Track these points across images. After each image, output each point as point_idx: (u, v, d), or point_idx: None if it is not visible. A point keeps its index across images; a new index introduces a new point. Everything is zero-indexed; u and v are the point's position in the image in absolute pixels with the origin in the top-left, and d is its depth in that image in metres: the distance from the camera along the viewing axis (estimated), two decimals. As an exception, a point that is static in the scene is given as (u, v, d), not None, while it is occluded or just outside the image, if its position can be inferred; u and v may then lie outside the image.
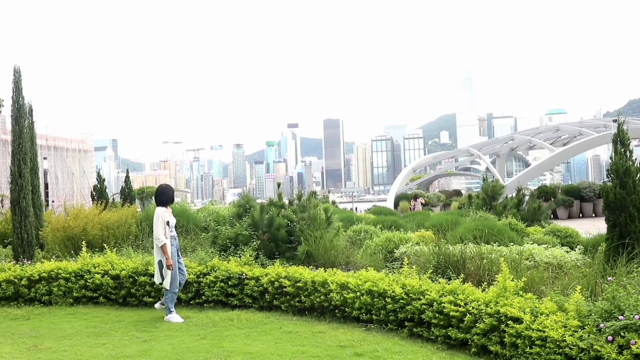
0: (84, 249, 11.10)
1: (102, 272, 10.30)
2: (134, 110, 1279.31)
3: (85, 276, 10.33)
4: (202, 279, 9.86)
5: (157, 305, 9.45)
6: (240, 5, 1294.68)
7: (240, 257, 10.72)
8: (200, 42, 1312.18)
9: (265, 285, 9.43)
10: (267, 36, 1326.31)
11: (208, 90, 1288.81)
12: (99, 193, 19.71)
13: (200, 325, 8.48)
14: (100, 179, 20.75)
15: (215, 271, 9.90)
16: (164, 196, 9.34)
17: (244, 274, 9.75)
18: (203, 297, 9.80)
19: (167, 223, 9.00)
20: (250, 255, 10.76)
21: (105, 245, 11.78)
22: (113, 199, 22.84)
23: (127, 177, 23.54)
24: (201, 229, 14.02)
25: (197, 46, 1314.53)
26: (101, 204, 15.87)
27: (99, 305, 10.13)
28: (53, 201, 37.26)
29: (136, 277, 10.12)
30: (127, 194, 21.69)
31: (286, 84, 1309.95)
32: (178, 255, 9.23)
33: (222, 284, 9.73)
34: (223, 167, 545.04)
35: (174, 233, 9.22)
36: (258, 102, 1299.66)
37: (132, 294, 10.13)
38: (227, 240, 12.20)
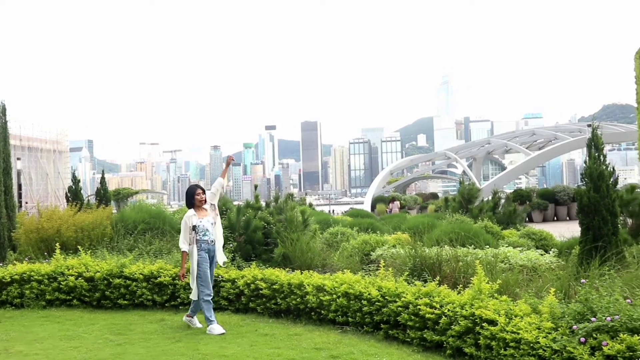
0: (58, 250, 10.95)
1: (76, 274, 10.17)
2: (110, 110, 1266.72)
3: (59, 278, 10.19)
4: (177, 281, 9.77)
5: (184, 318, 8.69)
6: (218, 7, 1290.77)
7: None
8: (177, 44, 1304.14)
9: (241, 287, 9.39)
10: (244, 38, 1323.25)
11: (186, 91, 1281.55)
12: (74, 194, 19.39)
13: (175, 328, 8.41)
14: (75, 180, 20.41)
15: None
16: (186, 197, 8.75)
17: (220, 276, 9.69)
18: (178, 299, 9.72)
19: (194, 228, 8.37)
20: (227, 257, 10.70)
21: (79, 247, 11.63)
22: (88, 200, 22.53)
23: (103, 178, 23.20)
24: (177, 231, 13.88)
25: (174, 47, 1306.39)
26: (76, 205, 15.66)
27: (73, 308, 10.00)
28: (26, 202, 36.69)
29: (111, 280, 10.00)
30: (103, 196, 21.37)
31: (264, 86, 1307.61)
32: (211, 262, 8.57)
33: (197, 287, 9.66)
34: (200, 169, 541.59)
35: (209, 237, 8.45)
36: (236, 104, 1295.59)
37: (106, 296, 10.01)
38: (204, 243, 12.10)
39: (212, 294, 8.44)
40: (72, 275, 10.15)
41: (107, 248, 12.45)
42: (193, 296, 8.46)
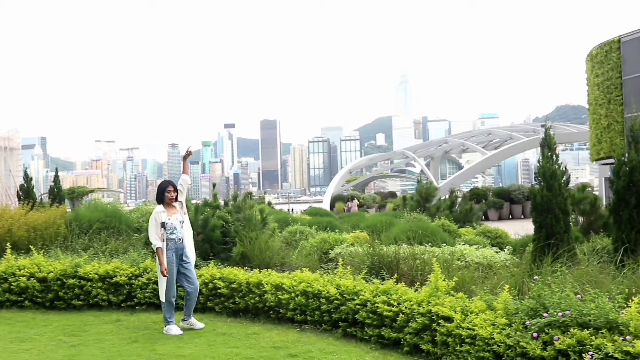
0: (9, 250, 10.67)
1: (28, 274, 9.91)
2: (64, 107, 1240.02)
3: (10, 279, 9.92)
4: (134, 281, 9.63)
5: (181, 323, 8.35)
6: (176, 5, 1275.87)
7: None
8: (134, 40, 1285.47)
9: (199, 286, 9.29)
10: (202, 35, 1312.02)
11: (143, 88, 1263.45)
12: (26, 193, 18.93)
13: (131, 329, 8.28)
14: (27, 178, 19.93)
15: (147, 273, 9.69)
16: (157, 193, 8.50)
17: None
18: (135, 299, 9.57)
19: (163, 225, 8.09)
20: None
21: (31, 247, 11.34)
22: (41, 198, 22.04)
23: (57, 176, 22.66)
24: (133, 230, 13.70)
25: (131, 43, 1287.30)
26: (28, 204, 15.30)
27: (24, 309, 9.74)
28: (-24, 201, 35.63)
29: (64, 280, 9.79)
30: (56, 194, 20.90)
31: (223, 84, 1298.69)
32: (183, 261, 8.27)
33: (154, 286, 9.51)
34: (158, 167, 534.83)
35: (177, 235, 8.20)
36: (194, 102, 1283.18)
37: (60, 297, 9.78)
38: (161, 242, 11.95)
39: (175, 296, 8.28)
40: (23, 275, 9.89)
41: (61, 248, 12.18)
42: (161, 297, 8.23)
